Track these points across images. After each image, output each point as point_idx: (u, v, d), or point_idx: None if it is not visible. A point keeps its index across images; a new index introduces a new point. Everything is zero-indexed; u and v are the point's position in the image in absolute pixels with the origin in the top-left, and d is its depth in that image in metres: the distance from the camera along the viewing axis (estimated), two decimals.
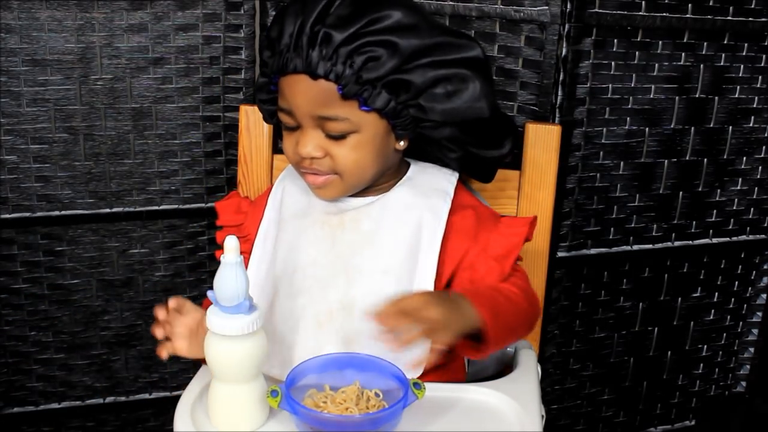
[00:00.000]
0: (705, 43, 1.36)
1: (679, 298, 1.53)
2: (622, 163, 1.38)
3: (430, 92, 0.90)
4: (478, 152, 0.98)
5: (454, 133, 0.94)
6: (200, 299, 1.46)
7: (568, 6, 1.22)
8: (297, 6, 0.89)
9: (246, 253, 0.99)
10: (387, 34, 0.87)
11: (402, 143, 0.95)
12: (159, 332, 0.89)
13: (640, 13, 1.29)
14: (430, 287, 0.93)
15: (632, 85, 1.33)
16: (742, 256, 1.56)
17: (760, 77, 1.42)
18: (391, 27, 0.87)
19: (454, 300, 0.84)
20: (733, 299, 1.59)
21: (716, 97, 1.41)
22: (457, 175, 1.00)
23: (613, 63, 1.31)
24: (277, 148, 1.16)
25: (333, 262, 0.95)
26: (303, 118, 0.90)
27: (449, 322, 0.80)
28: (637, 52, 1.32)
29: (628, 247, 1.45)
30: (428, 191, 0.98)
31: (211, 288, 0.80)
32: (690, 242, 1.49)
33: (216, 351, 0.81)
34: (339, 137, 0.90)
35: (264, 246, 0.99)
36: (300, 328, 0.94)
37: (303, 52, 0.87)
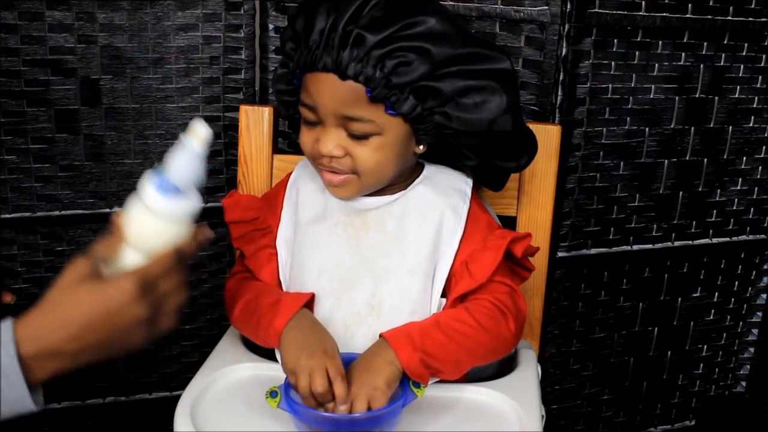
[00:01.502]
0: (705, 43, 1.36)
1: (679, 298, 1.53)
2: (622, 163, 1.38)
3: (457, 101, 0.89)
4: (496, 162, 0.98)
5: (474, 142, 0.94)
6: (200, 299, 1.47)
7: (568, 6, 1.22)
8: (329, 3, 0.89)
9: (270, 246, 1.00)
10: (420, 40, 0.86)
11: (421, 147, 0.95)
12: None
13: (640, 13, 1.29)
14: (442, 284, 0.95)
15: (632, 85, 1.34)
16: (742, 256, 1.56)
17: (760, 77, 1.42)
18: (424, 33, 0.87)
19: (371, 354, 0.86)
20: (733, 299, 1.59)
21: (716, 97, 1.41)
22: (471, 178, 1.01)
23: (613, 63, 1.31)
24: (277, 148, 1.16)
25: (359, 264, 0.95)
26: (327, 116, 0.90)
27: (370, 381, 0.83)
28: (637, 52, 1.32)
29: (628, 247, 1.45)
30: (447, 190, 0.98)
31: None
32: (690, 242, 1.49)
33: (142, 225, 0.77)
34: (361, 137, 0.90)
35: (285, 250, 1.00)
36: (329, 331, 0.93)
37: (333, 52, 0.87)
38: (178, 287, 0.77)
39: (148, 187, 0.75)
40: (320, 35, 0.88)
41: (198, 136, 0.74)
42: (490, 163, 0.98)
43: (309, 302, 0.94)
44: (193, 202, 0.76)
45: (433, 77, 0.88)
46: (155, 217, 0.76)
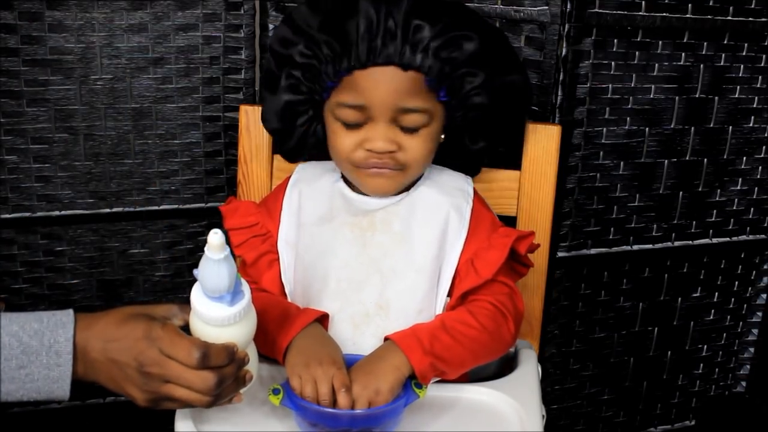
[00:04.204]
0: (705, 43, 1.36)
1: (679, 298, 1.53)
2: (622, 163, 1.38)
3: (489, 81, 0.94)
4: (500, 140, 1.03)
5: (493, 121, 0.98)
6: None
7: (568, 6, 1.22)
8: (367, 3, 0.89)
9: (271, 252, 1.00)
10: (466, 27, 0.91)
11: (442, 136, 0.98)
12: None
13: (640, 13, 1.29)
14: (448, 284, 0.96)
15: (632, 85, 1.34)
16: (742, 256, 1.56)
17: (760, 77, 1.42)
18: (467, 20, 0.93)
19: (377, 358, 0.87)
20: (733, 299, 1.59)
21: (716, 97, 1.41)
22: (470, 178, 1.03)
23: (613, 63, 1.31)
24: (277, 149, 1.16)
25: (366, 264, 0.95)
26: (381, 110, 0.90)
27: (373, 383, 0.84)
28: (637, 52, 1.32)
29: (628, 247, 1.45)
30: (451, 190, 0.99)
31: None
32: (690, 242, 1.49)
33: (197, 333, 0.80)
34: (413, 129, 0.92)
35: (287, 252, 0.99)
36: (337, 331, 0.94)
37: (396, 43, 0.88)
38: (199, 388, 0.77)
39: (194, 295, 0.79)
40: (369, 32, 0.88)
41: (212, 245, 0.76)
42: (494, 143, 1.02)
43: (322, 319, 0.94)
44: (228, 307, 0.78)
45: (472, 62, 0.92)
46: (204, 324, 0.79)
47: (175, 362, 0.76)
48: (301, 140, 1.01)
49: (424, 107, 0.91)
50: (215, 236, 0.75)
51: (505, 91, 0.96)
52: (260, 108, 1.13)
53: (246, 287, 0.80)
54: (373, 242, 0.96)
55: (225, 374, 0.78)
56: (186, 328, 0.81)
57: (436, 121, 0.94)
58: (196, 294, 0.79)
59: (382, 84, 0.89)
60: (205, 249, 0.76)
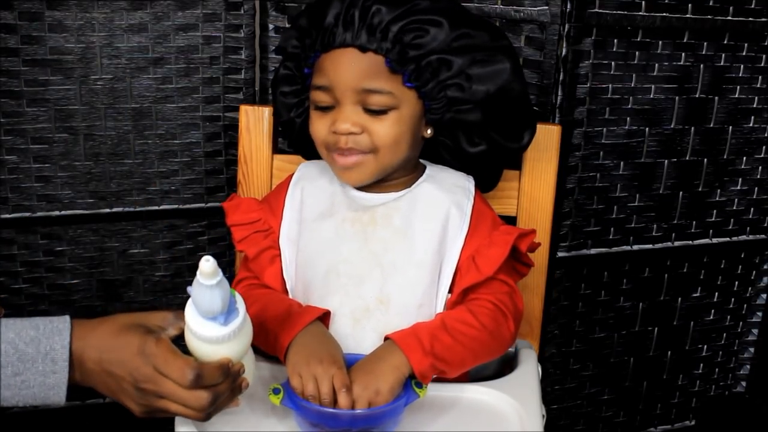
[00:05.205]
0: (705, 43, 1.36)
1: (679, 298, 1.53)
2: (622, 163, 1.38)
3: (467, 73, 0.93)
4: (501, 142, 0.99)
5: (483, 118, 0.96)
6: None
7: (568, 6, 1.22)
8: None
9: (273, 248, 1.00)
10: (434, 14, 0.92)
11: (429, 131, 0.98)
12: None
13: (640, 13, 1.29)
14: (449, 280, 0.96)
15: (632, 85, 1.34)
16: (742, 256, 1.56)
17: (760, 77, 1.42)
18: (437, 8, 0.92)
19: (377, 358, 0.87)
20: (733, 299, 1.59)
21: (716, 97, 1.41)
22: (472, 177, 1.02)
23: (613, 63, 1.31)
24: (277, 148, 1.17)
25: (367, 259, 0.96)
26: (344, 92, 0.92)
27: (373, 384, 0.84)
28: (637, 52, 1.32)
29: (628, 247, 1.45)
30: (452, 188, 1.00)
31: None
32: (690, 242, 1.49)
33: (192, 347, 0.80)
34: (379, 112, 0.92)
35: (289, 249, 1.00)
36: (337, 326, 0.94)
37: (354, 27, 0.91)
38: (191, 399, 0.77)
39: (188, 309, 0.78)
40: (335, 16, 0.92)
41: (204, 272, 0.74)
42: (496, 145, 0.99)
43: (323, 317, 0.94)
44: (222, 327, 0.78)
45: (445, 50, 0.92)
46: (200, 341, 0.79)
47: (169, 380, 0.76)
48: (300, 133, 1.02)
49: (387, 89, 0.92)
50: (207, 264, 0.73)
51: (486, 82, 0.94)
52: (260, 108, 1.13)
53: (241, 303, 0.79)
54: (374, 237, 0.96)
55: (219, 391, 0.78)
56: (181, 336, 0.81)
57: (406, 106, 0.93)
58: (190, 312, 0.78)
59: (343, 65, 0.92)
60: (197, 274, 0.75)
